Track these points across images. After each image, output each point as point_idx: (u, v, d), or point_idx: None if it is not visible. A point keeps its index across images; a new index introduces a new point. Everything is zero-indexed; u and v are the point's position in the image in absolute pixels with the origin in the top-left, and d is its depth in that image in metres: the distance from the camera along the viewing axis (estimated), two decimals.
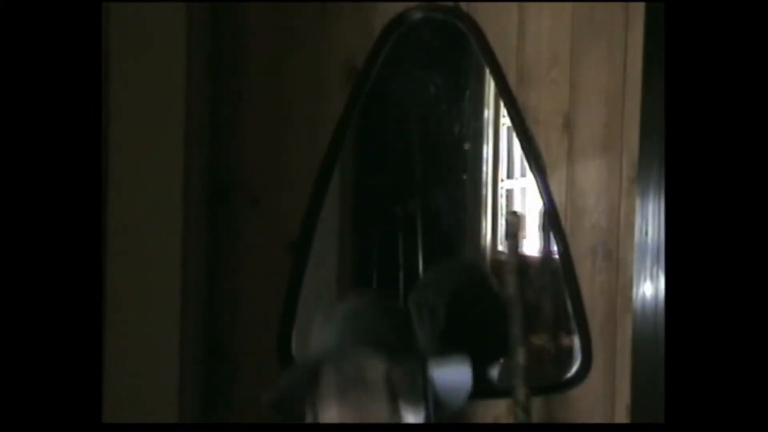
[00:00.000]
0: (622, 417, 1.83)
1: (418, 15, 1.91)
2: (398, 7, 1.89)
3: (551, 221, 1.85)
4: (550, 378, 1.90)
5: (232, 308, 1.94)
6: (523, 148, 1.88)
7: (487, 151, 2.01)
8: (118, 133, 1.80)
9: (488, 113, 2.00)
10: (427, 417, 1.50)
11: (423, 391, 1.49)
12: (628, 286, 1.84)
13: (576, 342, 1.85)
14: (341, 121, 1.90)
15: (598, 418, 1.84)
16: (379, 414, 1.43)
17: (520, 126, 1.88)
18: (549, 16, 1.89)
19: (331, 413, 1.45)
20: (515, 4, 1.89)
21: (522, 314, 1.61)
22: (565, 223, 1.86)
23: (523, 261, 1.68)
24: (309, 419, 1.49)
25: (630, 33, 1.84)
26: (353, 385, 1.45)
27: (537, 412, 1.87)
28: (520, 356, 1.61)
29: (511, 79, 1.89)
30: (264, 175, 1.94)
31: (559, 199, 1.86)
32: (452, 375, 1.52)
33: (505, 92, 1.89)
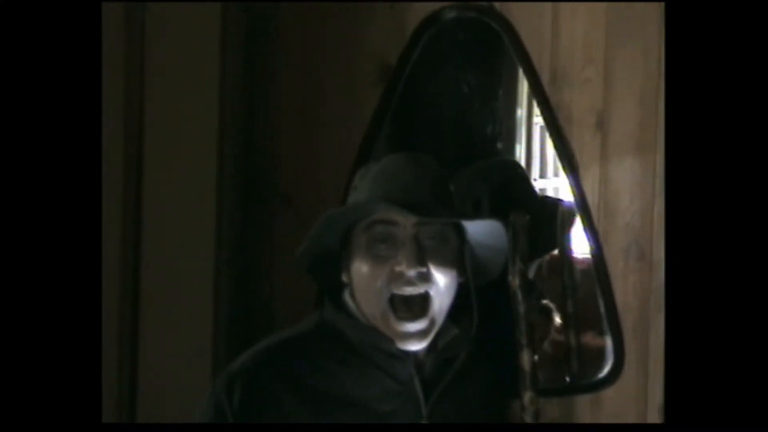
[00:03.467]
0: (654, 418, 1.82)
1: (451, 14, 1.91)
2: (432, 7, 1.89)
3: (584, 221, 1.84)
4: (581, 378, 1.89)
5: (266, 308, 1.95)
6: (556, 147, 1.87)
7: (520, 150, 2.00)
8: (153, 132, 1.82)
9: (521, 112, 2.00)
10: (466, 281, 1.51)
11: (458, 252, 1.49)
12: (661, 287, 1.82)
13: (608, 342, 1.84)
14: (374, 120, 1.91)
15: (629, 419, 1.83)
16: (409, 273, 1.42)
17: (553, 125, 1.87)
18: (583, 15, 1.87)
19: (361, 270, 1.45)
20: (549, 3, 1.88)
21: (527, 320, 1.60)
22: (598, 222, 1.85)
23: (528, 266, 1.65)
24: (343, 277, 1.50)
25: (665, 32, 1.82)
26: (382, 242, 1.44)
27: (566, 414, 1.87)
28: (526, 362, 1.59)
29: (545, 78, 1.88)
30: (297, 175, 1.96)
31: (592, 198, 1.85)
32: (488, 237, 1.51)
33: (538, 91, 1.88)
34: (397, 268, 1.42)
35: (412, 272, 1.42)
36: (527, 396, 1.59)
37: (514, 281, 1.60)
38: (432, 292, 1.44)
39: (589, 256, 1.86)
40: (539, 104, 1.89)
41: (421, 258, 1.42)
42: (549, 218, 1.87)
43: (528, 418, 1.59)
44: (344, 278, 1.50)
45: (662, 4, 1.79)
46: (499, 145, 2.00)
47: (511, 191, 1.86)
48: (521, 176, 1.91)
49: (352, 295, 1.49)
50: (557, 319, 1.91)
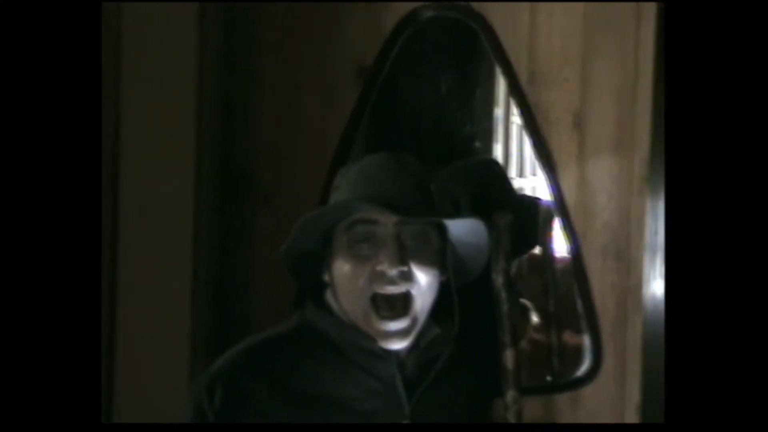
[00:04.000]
0: (631, 416, 1.83)
1: (429, 13, 1.91)
2: (410, 6, 1.89)
3: (562, 220, 1.85)
4: (559, 377, 1.90)
5: (244, 307, 1.95)
6: (533, 146, 1.88)
7: (498, 149, 2.01)
8: (130, 131, 1.81)
9: (499, 112, 2.00)
10: (448, 281, 1.50)
11: (439, 251, 1.49)
12: (638, 286, 1.83)
13: (586, 341, 1.85)
14: (352, 119, 1.91)
15: (607, 417, 1.83)
16: (391, 272, 1.42)
17: (531, 124, 1.87)
18: (560, 14, 1.87)
19: (342, 269, 1.45)
20: (527, 3, 1.88)
21: (510, 319, 1.60)
22: (576, 222, 1.85)
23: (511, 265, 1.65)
24: (325, 277, 1.50)
25: (642, 31, 1.82)
26: (364, 241, 1.43)
27: (545, 412, 1.87)
28: (509, 361, 1.59)
29: (522, 77, 1.88)
30: (275, 173, 1.95)
31: (570, 198, 1.85)
32: (470, 236, 1.51)
33: (516, 91, 1.89)
34: (379, 268, 1.42)
35: (393, 271, 1.42)
36: (510, 395, 1.59)
37: (498, 280, 1.60)
38: (414, 291, 1.44)
39: (567, 255, 1.86)
40: (517, 104, 1.90)
41: (403, 257, 1.42)
42: (530, 217, 1.87)
43: (511, 417, 1.59)
44: (326, 278, 1.50)
45: (638, 4, 1.81)
46: (477, 145, 2.00)
47: (491, 190, 1.87)
48: (501, 175, 1.91)
49: (334, 295, 1.49)
50: (535, 318, 1.91)
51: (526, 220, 1.84)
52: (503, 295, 1.60)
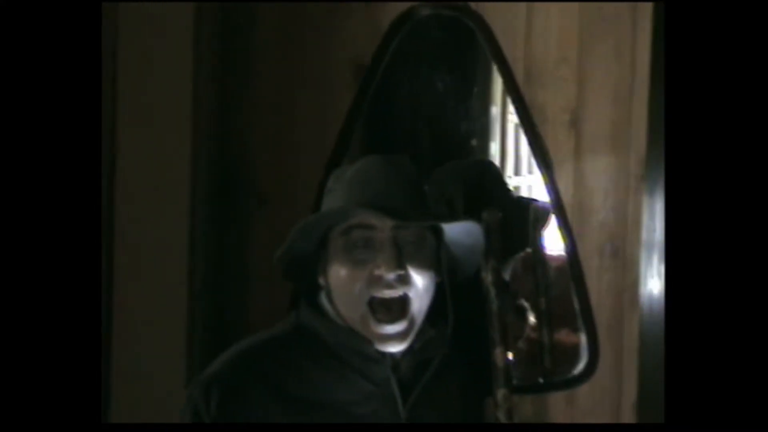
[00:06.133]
0: (628, 415, 1.83)
1: (426, 12, 1.90)
2: (407, 5, 1.89)
3: (558, 219, 1.85)
4: (555, 375, 1.90)
5: (240, 307, 1.95)
6: (530, 145, 1.87)
7: (495, 148, 2.00)
8: (127, 132, 1.81)
9: (495, 110, 2.00)
10: (442, 282, 1.50)
11: (435, 253, 1.49)
12: (635, 284, 1.84)
13: (583, 340, 1.85)
14: (348, 119, 1.91)
15: (604, 416, 1.84)
16: (389, 276, 1.41)
17: (528, 123, 1.87)
18: (557, 13, 1.88)
19: (339, 274, 1.45)
20: (523, 2, 1.88)
21: (500, 317, 1.60)
22: (573, 220, 1.85)
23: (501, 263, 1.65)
24: (320, 281, 1.49)
25: (638, 31, 1.83)
26: (361, 246, 1.43)
27: (541, 411, 1.88)
28: (499, 359, 1.59)
29: (519, 76, 1.89)
30: (272, 174, 1.95)
31: (566, 196, 1.86)
32: (465, 237, 1.51)
33: (512, 89, 1.88)
34: (376, 272, 1.42)
35: (391, 275, 1.41)
36: (501, 393, 1.58)
37: (487, 278, 1.60)
38: (411, 294, 1.44)
39: (563, 253, 1.86)
40: (513, 102, 1.89)
41: (400, 261, 1.42)
42: (522, 217, 1.87)
43: (501, 416, 1.58)
44: (321, 281, 1.50)
45: (634, 3, 1.82)
46: (474, 143, 2.00)
47: (486, 191, 1.87)
48: (495, 176, 1.91)
49: (329, 298, 1.49)
50: (532, 318, 1.92)
51: (518, 219, 1.84)
52: (493, 293, 1.60)
